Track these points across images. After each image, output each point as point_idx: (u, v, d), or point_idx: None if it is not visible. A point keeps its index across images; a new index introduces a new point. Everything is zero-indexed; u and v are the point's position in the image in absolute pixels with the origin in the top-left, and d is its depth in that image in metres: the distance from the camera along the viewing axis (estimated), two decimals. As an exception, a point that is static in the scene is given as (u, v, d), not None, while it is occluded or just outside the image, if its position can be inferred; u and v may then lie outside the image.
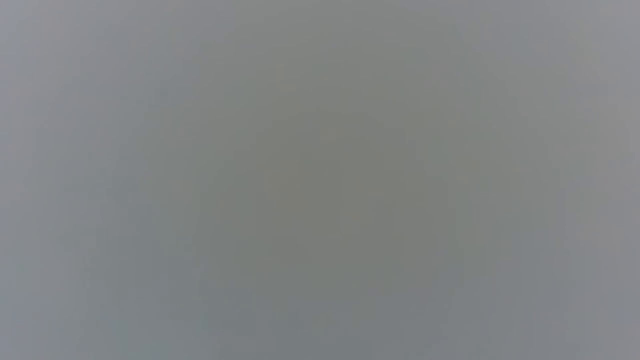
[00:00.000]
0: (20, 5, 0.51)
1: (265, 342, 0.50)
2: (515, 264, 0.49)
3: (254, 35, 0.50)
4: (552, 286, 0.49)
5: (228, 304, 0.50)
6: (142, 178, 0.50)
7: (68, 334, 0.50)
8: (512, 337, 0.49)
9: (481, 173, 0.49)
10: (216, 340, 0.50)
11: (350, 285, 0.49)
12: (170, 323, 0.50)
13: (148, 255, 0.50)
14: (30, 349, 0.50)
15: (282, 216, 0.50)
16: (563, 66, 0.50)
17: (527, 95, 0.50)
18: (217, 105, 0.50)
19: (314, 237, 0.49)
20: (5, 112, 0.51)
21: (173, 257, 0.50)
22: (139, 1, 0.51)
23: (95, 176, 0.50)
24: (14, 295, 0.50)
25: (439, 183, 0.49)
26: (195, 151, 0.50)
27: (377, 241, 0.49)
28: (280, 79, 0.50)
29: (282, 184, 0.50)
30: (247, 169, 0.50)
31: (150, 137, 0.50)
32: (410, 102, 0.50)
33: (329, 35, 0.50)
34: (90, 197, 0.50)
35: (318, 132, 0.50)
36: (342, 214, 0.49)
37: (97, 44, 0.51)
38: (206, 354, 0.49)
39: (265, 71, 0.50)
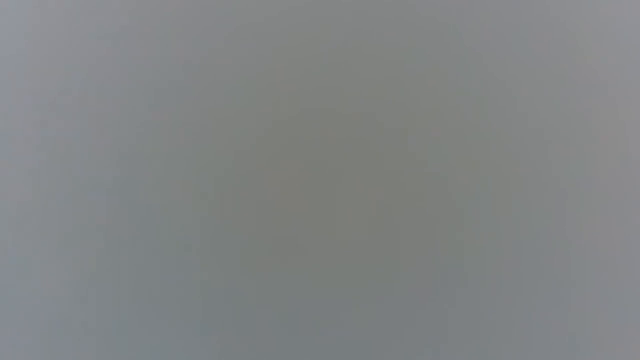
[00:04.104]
0: (21, 5, 0.51)
1: (265, 342, 0.50)
2: (515, 264, 0.49)
3: (254, 35, 0.50)
4: (553, 286, 0.49)
5: (228, 304, 0.50)
6: (143, 178, 0.50)
7: (68, 334, 0.50)
8: (513, 337, 0.49)
9: (481, 173, 0.49)
10: (216, 341, 0.50)
11: (351, 285, 0.49)
12: (170, 323, 0.50)
13: (148, 256, 0.50)
14: (30, 349, 0.50)
15: (282, 216, 0.50)
16: (563, 66, 0.50)
17: (528, 95, 0.50)
18: (217, 106, 0.50)
19: (314, 238, 0.49)
20: (6, 112, 0.51)
21: (173, 257, 0.50)
22: (140, 2, 0.51)
23: (95, 176, 0.50)
24: (14, 295, 0.50)
25: (439, 183, 0.49)
26: (195, 151, 0.50)
27: (377, 241, 0.49)
28: (281, 79, 0.50)
29: (282, 184, 0.50)
30: (247, 169, 0.50)
31: (150, 137, 0.50)
32: (410, 102, 0.50)
33: (329, 35, 0.50)
34: (90, 198, 0.50)
35: (318, 132, 0.50)
36: (342, 214, 0.49)
37: (98, 45, 0.51)
38: (206, 354, 0.49)
39: (265, 71, 0.50)
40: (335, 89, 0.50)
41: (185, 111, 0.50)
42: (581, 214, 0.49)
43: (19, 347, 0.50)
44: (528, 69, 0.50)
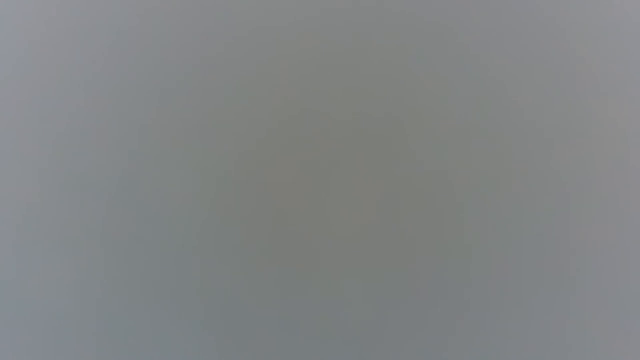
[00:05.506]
0: (21, 5, 0.51)
1: (266, 342, 0.50)
2: (518, 263, 0.49)
3: (254, 35, 0.50)
4: (554, 286, 0.49)
5: (228, 304, 0.50)
6: (144, 179, 0.50)
7: (68, 334, 0.50)
8: (514, 337, 0.49)
9: (483, 173, 0.49)
10: (216, 341, 0.50)
11: (352, 286, 0.49)
12: (170, 323, 0.50)
13: (149, 256, 0.50)
14: (30, 349, 0.50)
15: (283, 216, 0.50)
16: (564, 66, 0.50)
17: (529, 95, 0.50)
18: (218, 106, 0.50)
19: (315, 238, 0.49)
20: (7, 111, 0.51)
21: (173, 257, 0.50)
22: (140, 2, 0.51)
23: (97, 176, 0.50)
24: (14, 295, 0.50)
25: (441, 183, 0.49)
26: (196, 152, 0.50)
27: (378, 242, 0.49)
28: (281, 80, 0.50)
29: (283, 185, 0.50)
30: (248, 170, 0.50)
31: (152, 138, 0.50)
32: (411, 103, 0.50)
33: (331, 35, 0.50)
34: (90, 198, 0.50)
35: (319, 132, 0.50)
36: (343, 215, 0.50)
37: (101, 45, 0.51)
38: (206, 354, 0.49)
39: (265, 72, 0.50)
40: (335, 89, 0.50)
41: (185, 112, 0.50)
42: (584, 213, 0.49)
43: (19, 347, 0.50)
44: (529, 69, 0.50)
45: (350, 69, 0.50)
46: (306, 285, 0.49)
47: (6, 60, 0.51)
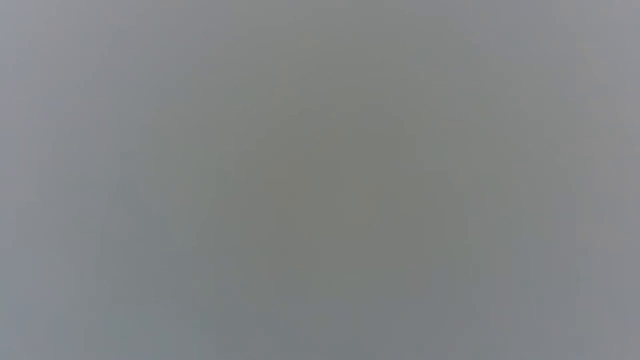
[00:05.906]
0: (22, 5, 0.51)
1: (267, 344, 0.50)
2: (519, 263, 0.49)
3: (256, 36, 0.50)
4: (556, 286, 0.49)
5: (229, 305, 0.49)
6: (144, 179, 0.50)
7: (68, 334, 0.50)
8: (518, 336, 0.49)
9: (485, 173, 0.49)
10: (216, 341, 0.49)
11: (353, 286, 0.49)
12: (171, 323, 0.50)
13: (149, 256, 0.50)
14: (30, 349, 0.50)
15: (285, 217, 0.50)
16: (564, 66, 0.50)
17: (529, 95, 0.50)
18: (220, 107, 0.50)
19: (316, 238, 0.49)
20: (9, 111, 0.51)
21: (173, 257, 0.50)
22: (140, 2, 0.51)
23: (97, 176, 0.50)
24: (14, 295, 0.50)
25: (441, 183, 0.49)
26: (198, 152, 0.50)
27: (379, 242, 0.49)
28: (283, 80, 0.50)
29: (285, 185, 0.50)
30: (249, 170, 0.50)
31: (152, 138, 0.50)
32: (412, 102, 0.50)
33: (331, 35, 0.50)
34: (92, 198, 0.50)
35: (321, 132, 0.50)
36: (345, 215, 0.49)
37: (101, 46, 0.51)
38: (206, 355, 0.49)
39: (267, 72, 0.50)
40: (335, 89, 0.50)
41: (185, 111, 0.50)
42: (584, 213, 0.49)
43: (19, 347, 0.50)
44: (529, 69, 0.50)
45: (350, 69, 0.50)
46: (306, 285, 0.49)
47: (6, 60, 0.51)
